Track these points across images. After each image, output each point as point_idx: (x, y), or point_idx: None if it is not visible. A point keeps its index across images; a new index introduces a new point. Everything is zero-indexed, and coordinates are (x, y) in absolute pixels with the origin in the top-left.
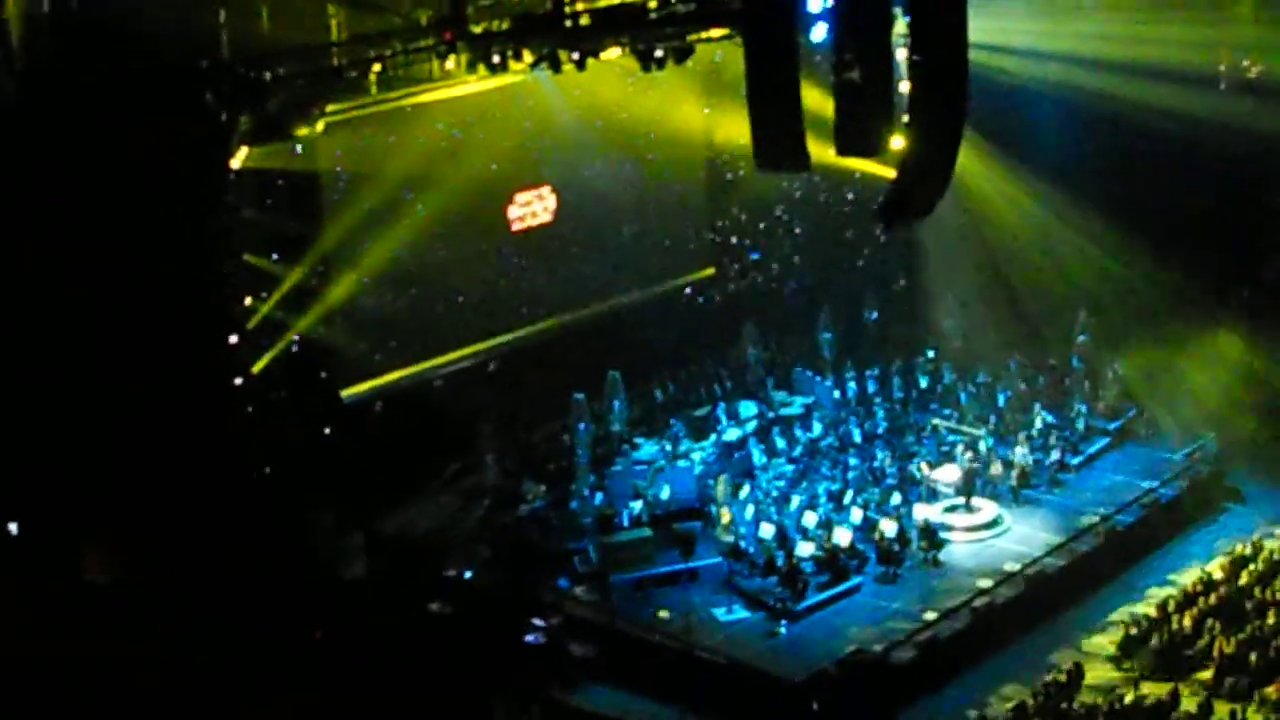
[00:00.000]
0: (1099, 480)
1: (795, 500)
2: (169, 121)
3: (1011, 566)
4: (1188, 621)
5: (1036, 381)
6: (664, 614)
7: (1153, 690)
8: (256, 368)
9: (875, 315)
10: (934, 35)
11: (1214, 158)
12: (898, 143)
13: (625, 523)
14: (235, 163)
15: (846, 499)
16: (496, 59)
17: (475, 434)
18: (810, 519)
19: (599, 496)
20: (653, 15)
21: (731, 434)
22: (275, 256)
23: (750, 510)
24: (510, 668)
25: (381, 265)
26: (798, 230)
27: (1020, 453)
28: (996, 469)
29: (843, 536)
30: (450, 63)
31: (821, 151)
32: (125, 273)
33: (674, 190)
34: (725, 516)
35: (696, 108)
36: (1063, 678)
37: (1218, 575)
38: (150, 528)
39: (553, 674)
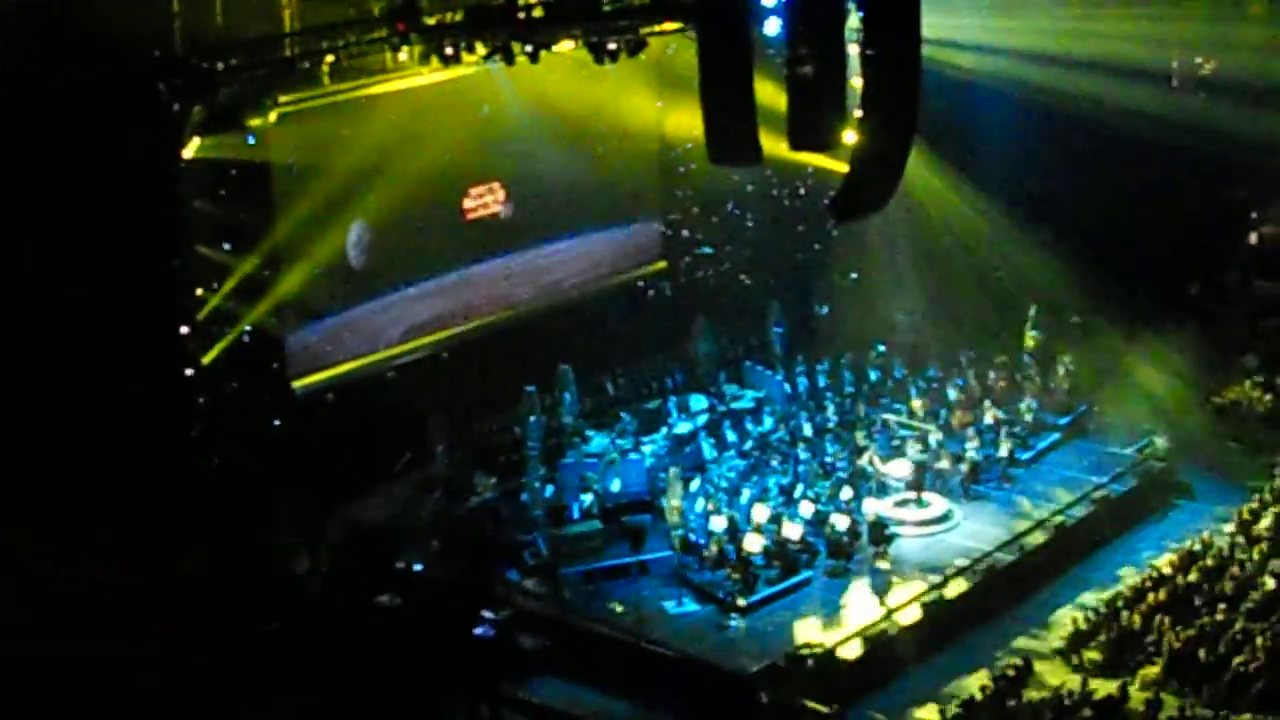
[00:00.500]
0: (1049, 475)
1: (745, 494)
2: (121, 112)
3: (961, 561)
4: (1137, 618)
5: (987, 376)
6: (618, 608)
7: (1101, 686)
8: (207, 359)
9: (826, 309)
10: (887, 30)
11: (1166, 154)
12: (850, 137)
13: (576, 515)
14: (187, 153)
15: (797, 493)
16: (449, 51)
17: (427, 426)
18: (760, 513)
19: (549, 489)
20: (606, 8)
21: (682, 427)
22: (227, 247)
23: (701, 503)
24: (460, 660)
25: (333, 256)
26: (749, 224)
27: (970, 447)
28: (946, 464)
29: (793, 530)
30: (403, 54)
31: (774, 145)
32: (76, 263)
33: (626, 183)
34: (675, 509)
35: (649, 100)
36: (1012, 673)
37: (1167, 571)
38: (105, 521)
39: (502, 667)
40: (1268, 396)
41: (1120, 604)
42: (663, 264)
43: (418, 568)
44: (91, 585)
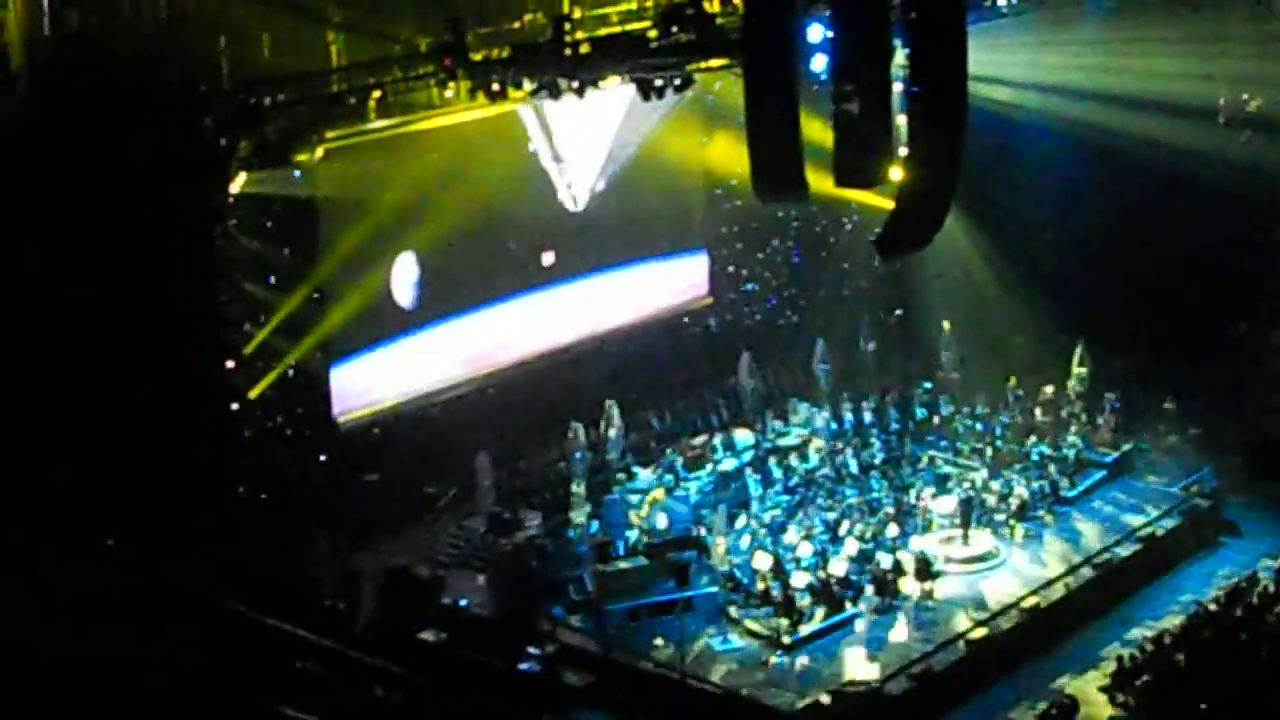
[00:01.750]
0: (1095, 513)
1: (791, 531)
2: (168, 146)
3: (1007, 599)
4: (1183, 656)
5: (1033, 413)
6: (662, 644)
7: None
8: (253, 394)
9: (872, 346)
10: (933, 67)
11: (1212, 191)
12: (896, 174)
13: (621, 551)
14: (234, 188)
15: (842, 530)
16: (496, 87)
17: (473, 461)
18: (806, 549)
19: (595, 525)
20: (653, 44)
21: (727, 464)
22: (272, 281)
23: (746, 540)
24: (505, 696)
25: (379, 291)
26: (795, 260)
27: (1017, 484)
28: (992, 500)
29: (838, 567)
30: (450, 90)
31: (820, 182)
32: (123, 297)
33: (672, 218)
34: (720, 546)
35: (695, 137)
36: (1057, 711)
37: (1214, 609)
38: (149, 547)
39: (547, 702)
40: None
41: (1165, 641)
42: (709, 300)
43: (463, 603)
44: (130, 620)
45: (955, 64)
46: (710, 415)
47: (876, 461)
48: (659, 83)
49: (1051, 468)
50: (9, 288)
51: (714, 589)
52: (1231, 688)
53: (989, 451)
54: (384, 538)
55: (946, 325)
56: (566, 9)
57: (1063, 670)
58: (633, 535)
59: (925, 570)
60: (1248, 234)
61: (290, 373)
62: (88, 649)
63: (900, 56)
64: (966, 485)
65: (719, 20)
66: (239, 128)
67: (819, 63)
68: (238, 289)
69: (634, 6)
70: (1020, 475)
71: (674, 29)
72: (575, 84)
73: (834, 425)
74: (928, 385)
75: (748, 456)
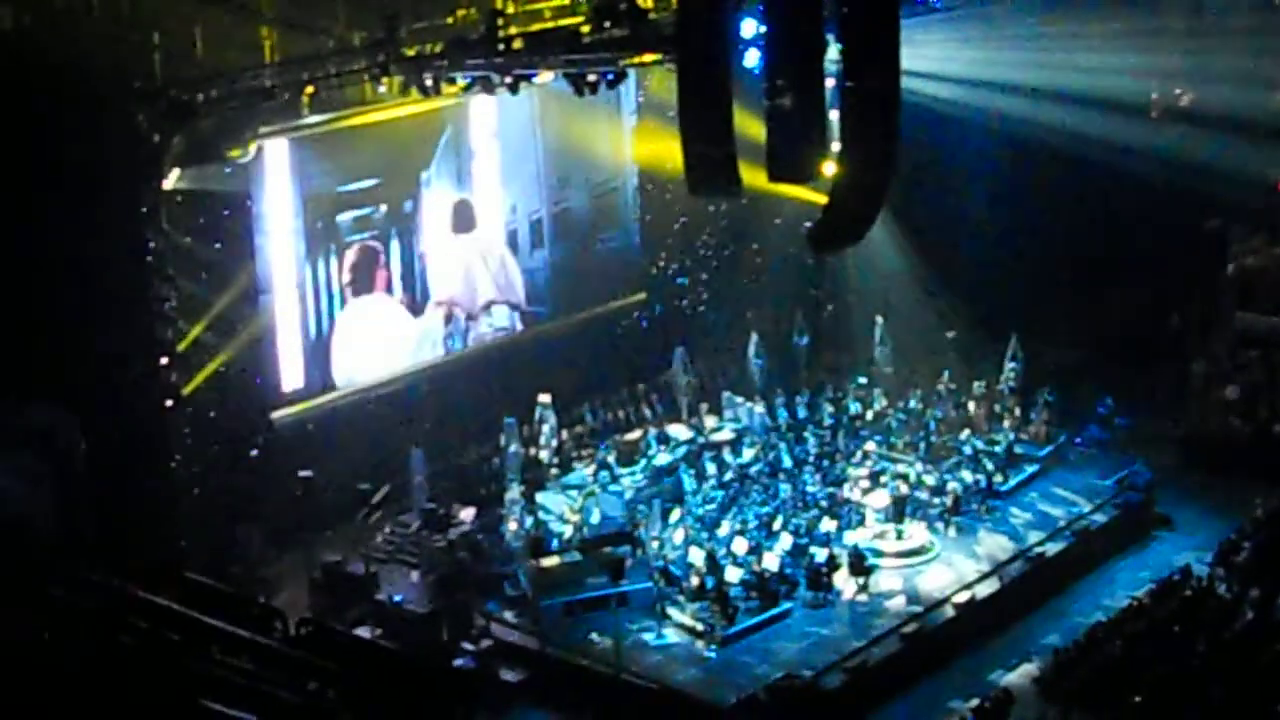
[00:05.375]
0: (1029, 506)
1: (725, 526)
2: (102, 143)
3: (941, 593)
4: (1117, 649)
5: (967, 408)
6: (597, 639)
7: (1082, 718)
8: (187, 390)
9: (806, 340)
10: (866, 62)
11: (1144, 185)
12: (830, 169)
13: (554, 547)
14: (167, 184)
15: (776, 525)
16: (429, 82)
17: (407, 457)
18: (740, 544)
19: (529, 521)
20: (586, 40)
21: (662, 458)
22: (205, 277)
23: (680, 535)
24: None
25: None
26: (728, 255)
27: (951, 478)
28: (926, 495)
29: (772, 562)
30: (383, 85)
31: (753, 177)
32: (55, 294)
33: (605, 214)
34: (654, 541)
35: (627, 132)
36: (991, 705)
37: (1147, 602)
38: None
39: (483, 699)
40: (1247, 428)
41: (1100, 635)
42: (642, 295)
43: (397, 599)
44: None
45: (888, 59)
46: (644, 410)
47: (810, 456)
48: (592, 78)
49: (985, 462)
50: None
51: (649, 584)
52: (1166, 680)
53: (923, 446)
54: (318, 534)
55: (880, 320)
56: (500, 4)
57: (997, 664)
58: (567, 531)
59: (859, 565)
60: (1182, 227)
61: (224, 369)
62: (11, 644)
63: (833, 51)
64: (900, 480)
65: (652, 15)
66: (172, 124)
67: (752, 58)
68: (172, 285)
69: (567, 2)
70: (954, 469)
71: (607, 24)
72: (508, 79)
73: (768, 420)
74: (861, 380)
75: (682, 452)
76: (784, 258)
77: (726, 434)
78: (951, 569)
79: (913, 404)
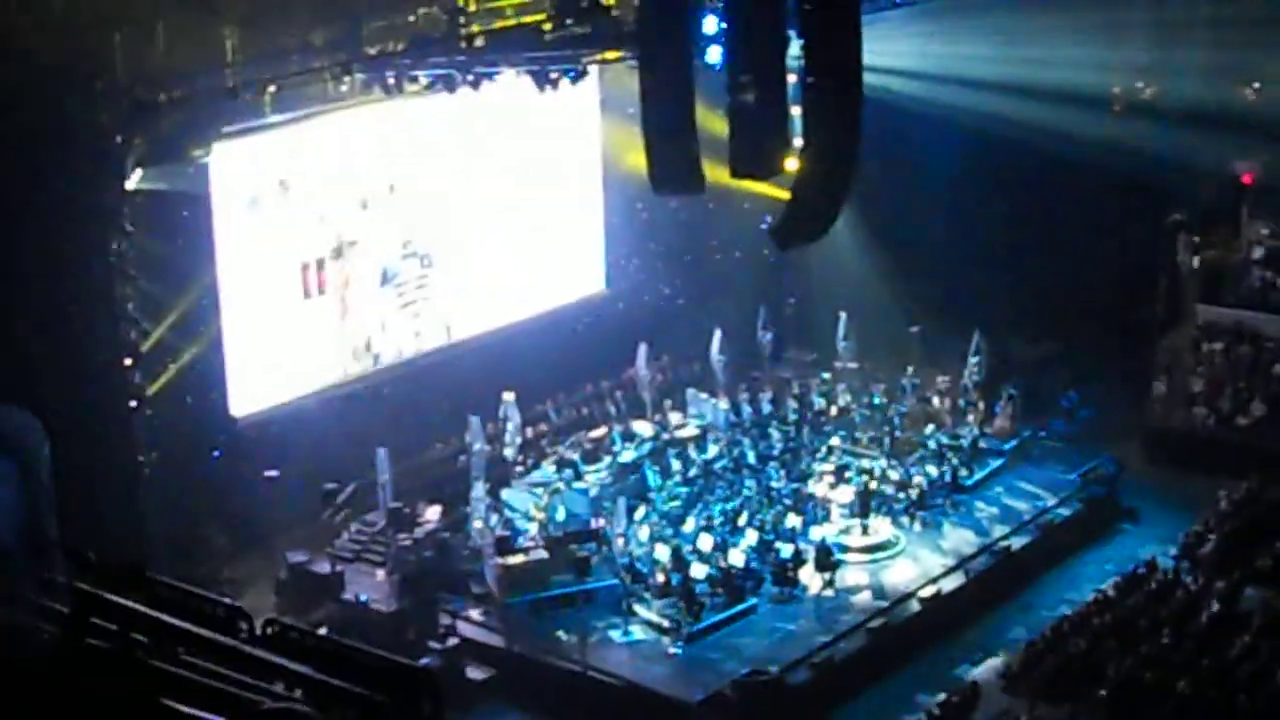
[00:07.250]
0: (994, 500)
1: (690, 522)
2: (63, 143)
3: (907, 588)
4: (1082, 642)
5: (931, 403)
6: (564, 637)
7: (1048, 712)
8: (151, 390)
9: (769, 336)
10: (828, 58)
11: (1107, 179)
12: (792, 164)
13: (520, 544)
14: (129, 184)
15: (741, 520)
16: (392, 81)
17: (371, 456)
18: (705, 541)
19: (494, 518)
20: (548, 37)
21: (626, 455)
22: (167, 278)
23: (645, 532)
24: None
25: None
26: (690, 251)
27: (915, 473)
28: (891, 489)
29: (738, 558)
30: (345, 84)
31: (716, 173)
32: (15, 295)
33: (569, 210)
34: (620, 538)
35: (591, 129)
36: (958, 699)
37: (1112, 595)
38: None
39: (449, 697)
40: (1210, 420)
41: (1066, 628)
42: (604, 290)
43: (363, 599)
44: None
45: (850, 55)
46: (608, 407)
47: (775, 452)
48: (554, 75)
49: (950, 456)
50: None
51: (614, 581)
52: (1132, 673)
53: (887, 441)
54: (284, 534)
55: (843, 315)
56: (462, 2)
57: (964, 658)
58: (533, 528)
59: (825, 560)
60: (1145, 221)
61: (188, 369)
62: None
63: (795, 47)
64: (865, 475)
65: (614, 12)
66: (134, 123)
67: (714, 54)
68: (134, 285)
69: None
70: (919, 464)
71: (569, 21)
72: (470, 77)
73: (732, 416)
74: (825, 375)
75: (646, 448)
76: (747, 254)
77: (691, 430)
78: (917, 564)
79: (877, 399)
